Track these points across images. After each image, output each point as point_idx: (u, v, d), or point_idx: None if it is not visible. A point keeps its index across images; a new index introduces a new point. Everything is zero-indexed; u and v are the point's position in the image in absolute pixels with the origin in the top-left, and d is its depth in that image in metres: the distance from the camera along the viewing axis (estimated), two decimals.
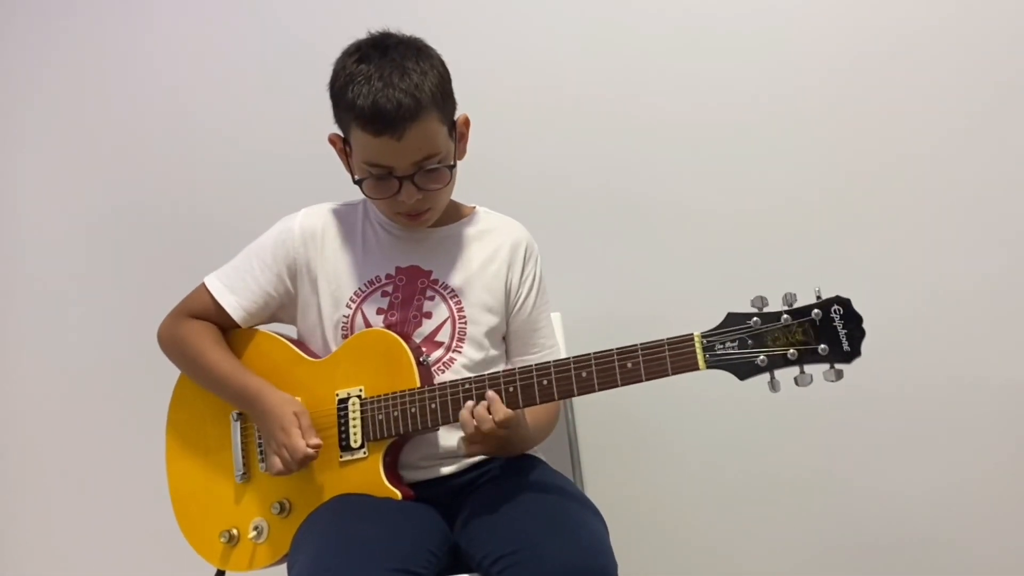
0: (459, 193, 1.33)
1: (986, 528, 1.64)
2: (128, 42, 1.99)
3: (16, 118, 2.05)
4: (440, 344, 1.28)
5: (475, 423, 1.13)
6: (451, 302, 1.29)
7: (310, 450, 1.18)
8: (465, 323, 1.29)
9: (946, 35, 1.66)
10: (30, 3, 2.04)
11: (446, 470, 1.26)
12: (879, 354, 1.60)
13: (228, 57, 1.94)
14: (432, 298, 1.29)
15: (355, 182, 1.23)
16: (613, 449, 1.73)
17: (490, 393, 1.14)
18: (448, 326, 1.29)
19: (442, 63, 1.23)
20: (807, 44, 1.70)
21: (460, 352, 1.28)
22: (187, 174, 1.96)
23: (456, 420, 1.17)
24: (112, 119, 1.99)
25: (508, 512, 1.16)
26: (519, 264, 1.34)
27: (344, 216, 1.34)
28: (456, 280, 1.30)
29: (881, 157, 1.68)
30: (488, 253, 1.33)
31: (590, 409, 1.69)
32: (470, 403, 1.15)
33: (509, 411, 1.13)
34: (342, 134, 1.24)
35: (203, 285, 1.32)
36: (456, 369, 1.27)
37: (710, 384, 1.65)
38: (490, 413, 1.13)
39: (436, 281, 1.30)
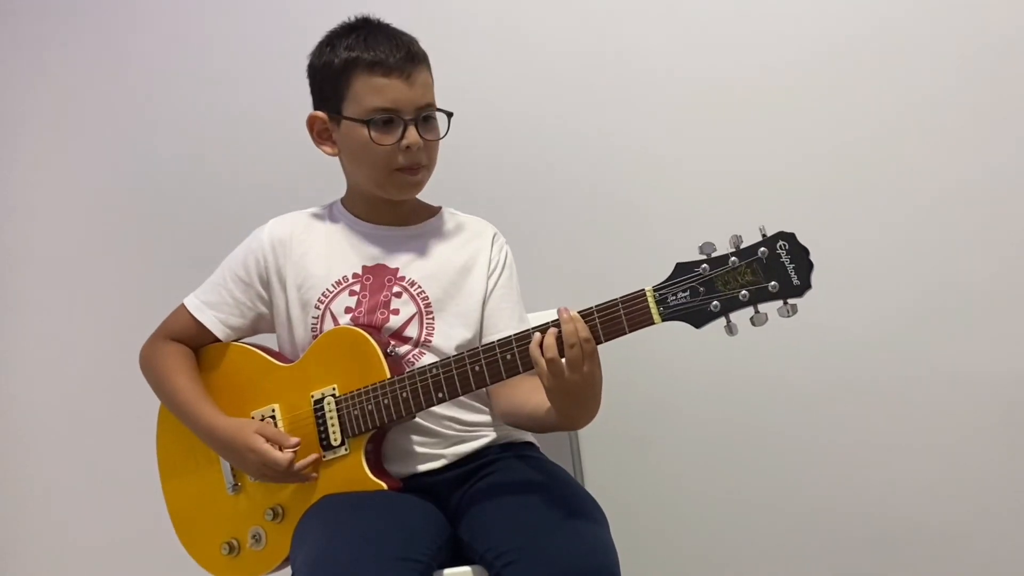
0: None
1: (985, 523, 1.63)
2: (128, 43, 2.01)
3: (15, 118, 2.07)
4: (408, 339, 1.28)
5: (545, 356, 1.05)
6: (419, 299, 1.30)
7: (289, 453, 1.19)
8: (432, 319, 1.29)
9: (948, 28, 1.63)
10: (33, 2, 2.06)
11: (436, 463, 1.26)
12: (879, 349, 1.64)
13: (227, 57, 1.96)
14: (399, 295, 1.30)
15: (362, 121, 1.23)
16: (613, 441, 1.72)
17: (573, 314, 1.05)
18: (415, 322, 1.29)
19: None
20: (797, 38, 1.69)
21: (428, 345, 1.28)
22: (187, 174, 1.97)
23: (428, 406, 1.18)
24: (112, 120, 2.01)
25: (511, 506, 1.17)
26: (485, 255, 1.35)
27: (311, 221, 1.36)
28: (422, 276, 1.31)
29: (878, 153, 1.66)
30: (453, 249, 1.34)
31: None
32: (537, 336, 1.07)
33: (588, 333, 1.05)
34: (326, 110, 1.28)
35: (182, 305, 1.35)
36: (424, 362, 1.26)
37: (711, 377, 1.70)
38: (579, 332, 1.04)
39: (403, 278, 1.30)
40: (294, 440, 1.21)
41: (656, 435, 1.75)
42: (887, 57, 1.66)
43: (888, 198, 1.66)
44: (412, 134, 1.24)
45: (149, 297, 1.81)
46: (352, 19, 1.31)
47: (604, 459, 1.71)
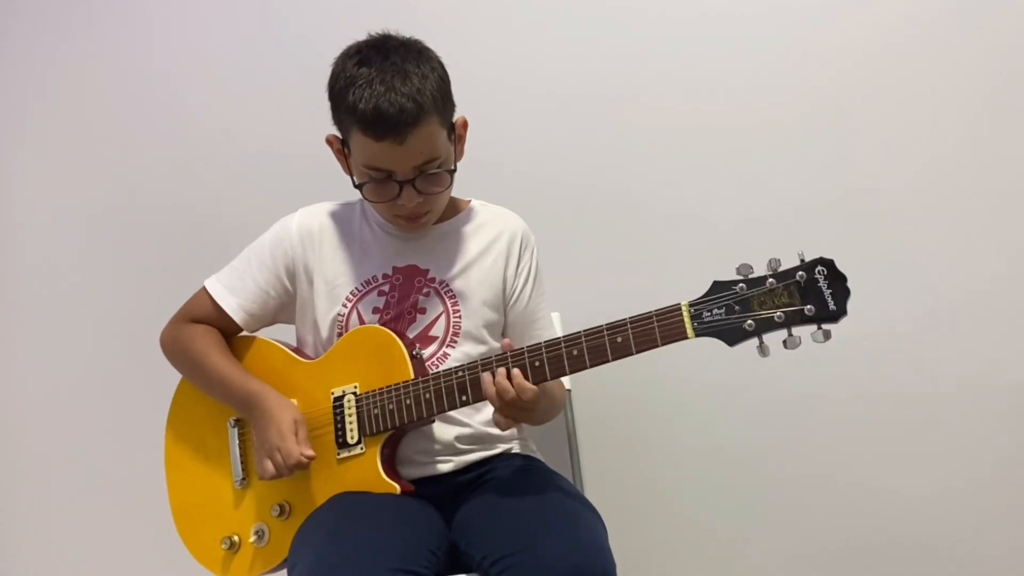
0: (455, 191, 1.34)
1: (989, 530, 1.61)
2: (129, 43, 2.03)
3: (17, 118, 2.08)
4: (434, 339, 1.28)
5: (496, 393, 1.12)
6: (446, 298, 1.30)
7: (303, 458, 1.18)
8: (460, 318, 1.29)
9: (951, 35, 1.67)
10: (32, 2, 2.08)
11: (444, 467, 1.26)
12: (881, 356, 1.64)
13: (230, 57, 1.98)
14: (428, 295, 1.30)
15: (355, 186, 1.25)
16: (613, 449, 1.72)
17: (515, 371, 1.12)
18: (442, 321, 1.29)
19: (442, 66, 1.24)
20: (804, 43, 1.72)
21: (454, 347, 1.29)
22: (188, 175, 1.98)
23: (451, 408, 1.17)
24: (114, 119, 2.02)
25: (507, 513, 1.16)
26: (515, 256, 1.35)
27: (341, 216, 1.36)
28: (453, 276, 1.31)
29: (884, 159, 1.68)
30: (484, 246, 1.34)
31: (589, 408, 1.69)
32: (496, 371, 1.13)
33: (533, 388, 1.11)
34: (340, 135, 1.25)
35: (203, 288, 1.34)
36: (449, 364, 1.27)
37: (711, 384, 1.69)
38: (515, 389, 1.11)
39: (433, 279, 1.31)
40: (311, 452, 1.19)
41: (655, 441, 1.74)
42: (888, 70, 1.69)
43: (893, 207, 1.67)
44: (408, 194, 1.21)
45: (145, 297, 1.84)
46: (370, 36, 1.23)
47: (603, 465, 1.70)
